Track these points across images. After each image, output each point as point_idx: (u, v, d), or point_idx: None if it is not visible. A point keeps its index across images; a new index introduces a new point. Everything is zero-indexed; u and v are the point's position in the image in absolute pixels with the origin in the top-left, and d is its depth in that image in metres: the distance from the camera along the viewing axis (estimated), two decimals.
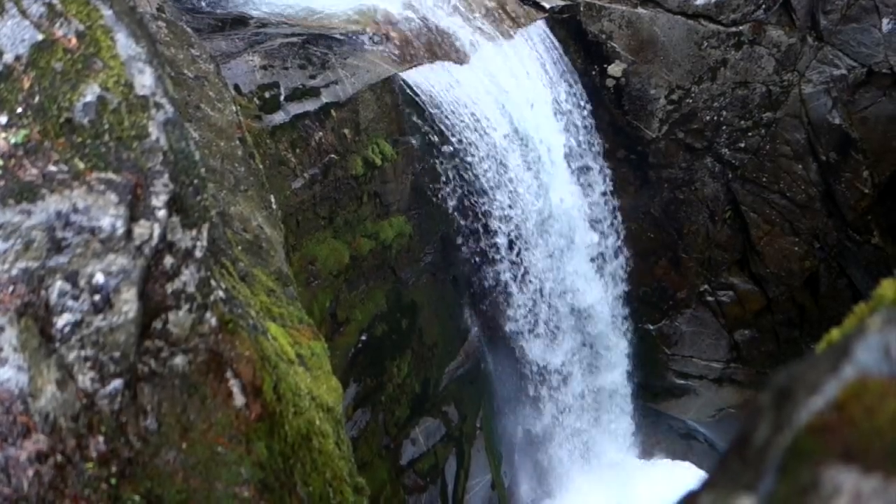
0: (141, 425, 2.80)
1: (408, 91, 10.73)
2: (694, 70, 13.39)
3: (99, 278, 2.65)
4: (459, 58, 11.35)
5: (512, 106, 11.61)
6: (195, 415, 2.92)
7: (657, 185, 14.33)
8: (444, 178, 11.51)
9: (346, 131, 10.31)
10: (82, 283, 2.63)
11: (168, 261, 2.84)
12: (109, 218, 2.66)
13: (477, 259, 12.34)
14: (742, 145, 13.90)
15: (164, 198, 2.78)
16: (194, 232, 2.94)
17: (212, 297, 3.01)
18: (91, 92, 2.76)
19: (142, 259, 2.72)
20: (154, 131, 2.80)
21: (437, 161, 11.34)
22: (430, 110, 10.79)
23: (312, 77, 10.06)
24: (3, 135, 2.72)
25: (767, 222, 14.33)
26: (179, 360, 2.91)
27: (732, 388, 15.71)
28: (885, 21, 12.87)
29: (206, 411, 2.94)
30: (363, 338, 11.20)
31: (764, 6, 13.12)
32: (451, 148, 11.10)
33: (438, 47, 11.30)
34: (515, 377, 13.88)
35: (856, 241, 14.21)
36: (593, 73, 13.36)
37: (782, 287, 14.75)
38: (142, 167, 2.76)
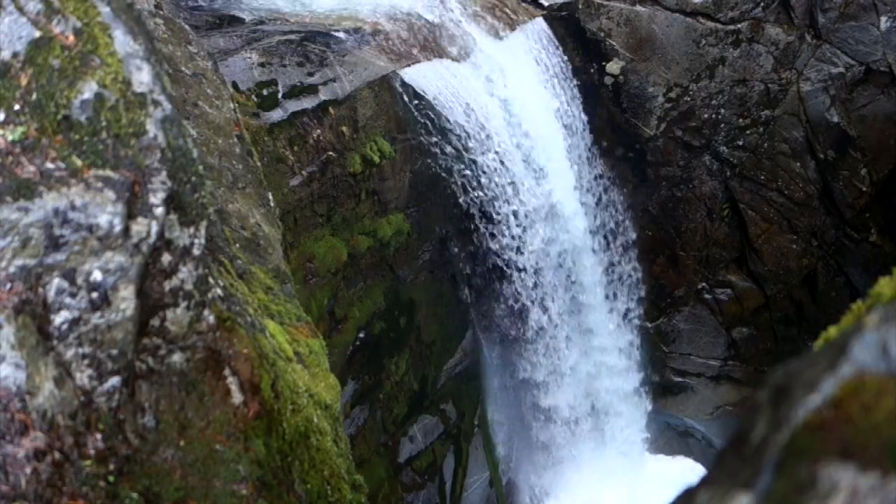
0: (139, 423, 2.80)
1: (405, 88, 10.72)
2: (692, 68, 13.39)
3: (97, 276, 2.65)
4: (458, 55, 11.34)
5: (510, 102, 11.61)
6: (193, 412, 2.92)
7: (655, 183, 14.34)
8: (443, 175, 11.52)
9: (345, 129, 10.30)
10: (80, 280, 2.63)
11: (166, 258, 2.84)
12: (107, 215, 2.65)
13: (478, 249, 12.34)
14: (740, 143, 13.91)
15: (161, 195, 2.78)
16: (192, 229, 2.94)
17: (210, 295, 3.01)
18: (89, 89, 2.75)
19: (139, 256, 2.72)
20: (152, 129, 2.80)
21: (434, 158, 11.35)
22: (428, 108, 10.79)
23: (310, 74, 10.05)
24: (1, 132, 2.71)
25: (765, 220, 14.34)
26: (177, 358, 2.91)
27: (730, 386, 15.73)
28: (883, 19, 12.88)
29: (204, 409, 2.94)
30: (361, 335, 11.20)
31: (762, 4, 13.13)
32: (450, 144, 11.11)
33: (437, 45, 11.29)
34: (514, 375, 13.91)
35: (854, 239, 14.23)
36: (591, 70, 13.36)
37: (780, 285, 14.77)
38: (139, 164, 2.76)
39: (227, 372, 3.02)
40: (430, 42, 11.28)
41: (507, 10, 12.34)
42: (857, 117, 13.45)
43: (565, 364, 13.87)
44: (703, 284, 15.12)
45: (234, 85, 9.27)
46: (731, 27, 13.19)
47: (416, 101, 10.77)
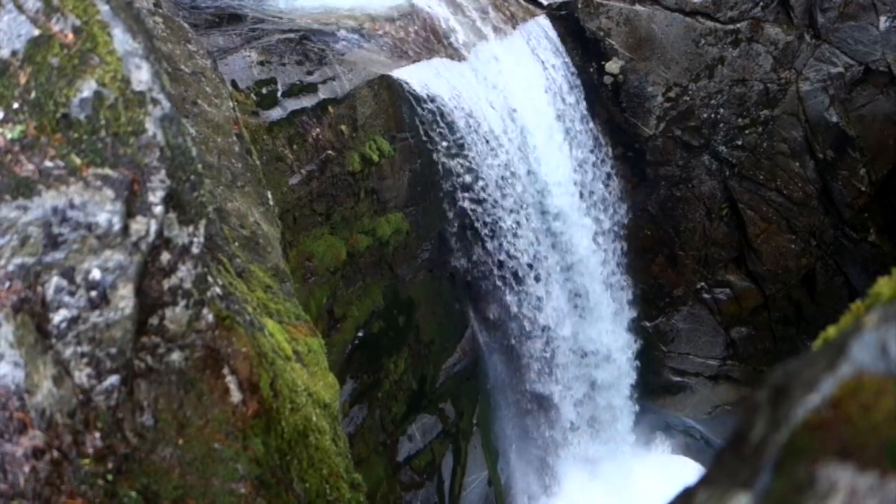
0: (137, 421, 2.80)
1: (405, 87, 10.72)
2: (691, 67, 13.39)
3: (95, 274, 2.64)
4: (457, 54, 11.34)
5: (509, 100, 11.61)
6: (192, 411, 2.92)
7: (654, 182, 14.35)
8: (441, 174, 11.52)
9: (344, 128, 10.30)
10: (79, 279, 2.63)
11: (165, 257, 2.83)
12: (106, 214, 2.65)
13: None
14: (739, 143, 13.92)
15: (160, 194, 2.78)
16: (191, 228, 2.94)
17: (208, 294, 3.00)
18: (88, 87, 2.75)
19: (138, 255, 2.72)
20: (151, 127, 2.79)
21: (434, 157, 11.34)
22: (427, 107, 10.78)
23: (310, 73, 10.05)
24: (0, 130, 2.71)
25: (764, 220, 14.35)
26: (176, 357, 2.90)
27: (729, 386, 15.74)
28: (882, 19, 12.88)
29: (203, 407, 2.94)
30: (360, 334, 11.19)
31: (762, 4, 13.13)
32: (449, 144, 11.10)
33: (436, 43, 11.29)
34: (512, 371, 13.91)
35: (852, 238, 14.23)
36: (591, 70, 13.36)
37: (779, 284, 14.77)
38: (139, 163, 2.76)
39: (225, 371, 3.02)
40: (430, 41, 11.27)
41: (507, 9, 12.34)
42: (856, 117, 13.45)
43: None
44: (702, 284, 15.13)
45: (234, 83, 9.27)
46: (731, 27, 13.19)
47: (415, 100, 10.77)
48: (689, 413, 16.10)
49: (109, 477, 2.67)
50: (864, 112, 13.41)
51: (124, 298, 2.69)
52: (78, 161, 2.69)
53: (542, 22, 12.70)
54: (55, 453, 2.55)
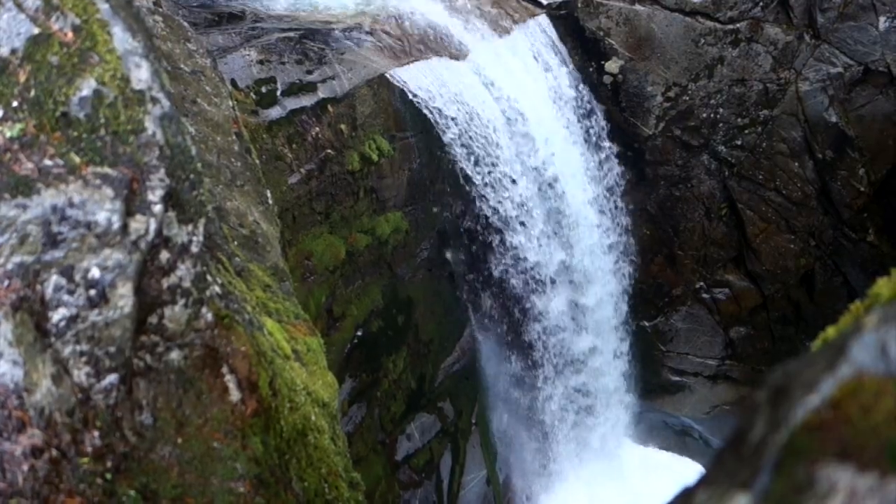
0: (136, 420, 2.80)
1: (404, 86, 10.71)
2: (691, 67, 13.39)
3: (94, 273, 2.64)
4: (457, 53, 11.33)
5: (509, 99, 11.60)
6: (191, 410, 2.92)
7: (654, 182, 14.35)
8: (441, 174, 11.52)
9: (343, 127, 10.29)
10: (78, 277, 2.63)
11: (164, 256, 2.83)
12: (105, 212, 2.65)
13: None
14: (738, 143, 13.92)
15: (160, 192, 2.78)
16: (190, 227, 2.94)
17: (208, 293, 3.00)
18: (87, 86, 2.75)
19: (137, 254, 2.72)
20: (150, 126, 2.79)
21: (432, 157, 11.34)
22: (427, 106, 10.78)
23: (309, 72, 10.04)
24: None
25: (763, 220, 14.35)
26: (175, 356, 2.90)
27: (727, 385, 15.75)
28: (881, 19, 12.88)
29: (202, 406, 2.94)
30: (359, 333, 11.19)
31: (761, 4, 13.13)
32: (448, 143, 11.10)
33: (436, 43, 11.28)
34: (510, 370, 13.92)
35: (851, 239, 14.24)
36: (590, 69, 13.36)
37: (778, 284, 14.78)
38: (138, 162, 2.75)
39: (224, 370, 3.02)
40: (430, 40, 11.27)
41: (507, 9, 12.33)
42: (856, 117, 13.45)
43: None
44: (701, 284, 15.13)
45: (233, 82, 9.26)
46: (730, 27, 13.19)
47: (414, 99, 10.77)
48: (687, 413, 16.11)
49: (108, 476, 2.67)
50: (864, 112, 13.42)
51: (123, 297, 2.69)
52: (77, 159, 2.69)
53: (543, 21, 12.70)
54: (54, 452, 2.55)
